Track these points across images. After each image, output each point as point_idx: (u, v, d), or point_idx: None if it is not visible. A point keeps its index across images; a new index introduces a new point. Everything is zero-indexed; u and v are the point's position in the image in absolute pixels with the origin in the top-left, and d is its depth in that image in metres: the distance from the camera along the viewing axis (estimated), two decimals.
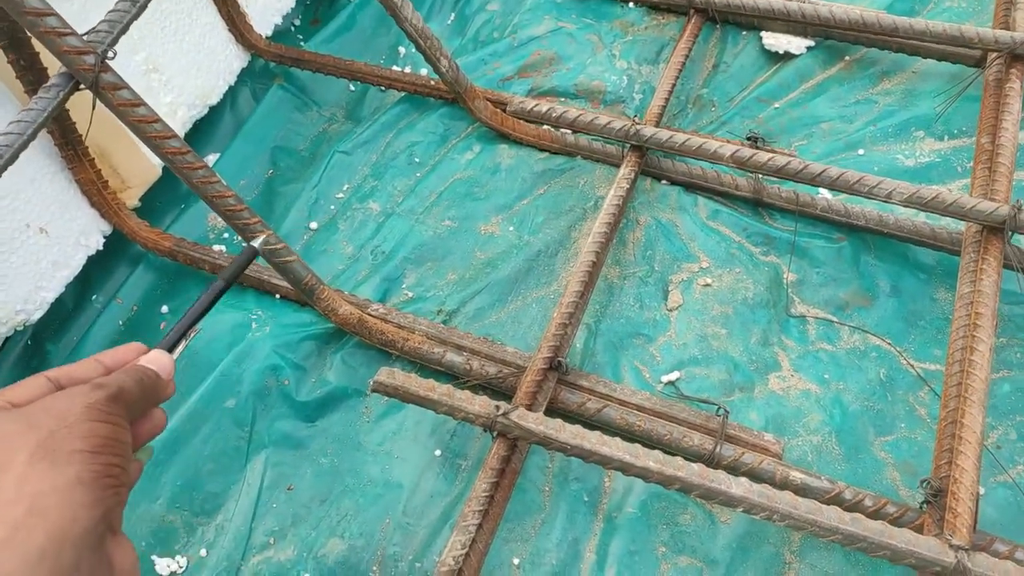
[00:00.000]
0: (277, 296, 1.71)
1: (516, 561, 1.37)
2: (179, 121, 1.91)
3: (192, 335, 0.82)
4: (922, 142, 1.89)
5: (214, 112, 2.03)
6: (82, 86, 1.14)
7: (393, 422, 1.54)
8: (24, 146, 1.10)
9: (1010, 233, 1.45)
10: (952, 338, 1.40)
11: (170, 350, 0.77)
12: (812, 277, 1.68)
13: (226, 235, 1.89)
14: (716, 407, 1.44)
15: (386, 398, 1.55)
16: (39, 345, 1.73)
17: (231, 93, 2.07)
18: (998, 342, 1.57)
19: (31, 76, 1.34)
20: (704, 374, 1.55)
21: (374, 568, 1.38)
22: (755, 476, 1.33)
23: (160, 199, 1.91)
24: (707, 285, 1.67)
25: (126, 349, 0.72)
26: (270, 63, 2.18)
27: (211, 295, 0.86)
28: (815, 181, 1.56)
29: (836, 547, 1.35)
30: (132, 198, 1.80)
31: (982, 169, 1.62)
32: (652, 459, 1.20)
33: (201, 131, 2.02)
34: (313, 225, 1.88)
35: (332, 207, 1.91)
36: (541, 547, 1.38)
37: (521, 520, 1.41)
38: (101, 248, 1.75)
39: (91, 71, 1.12)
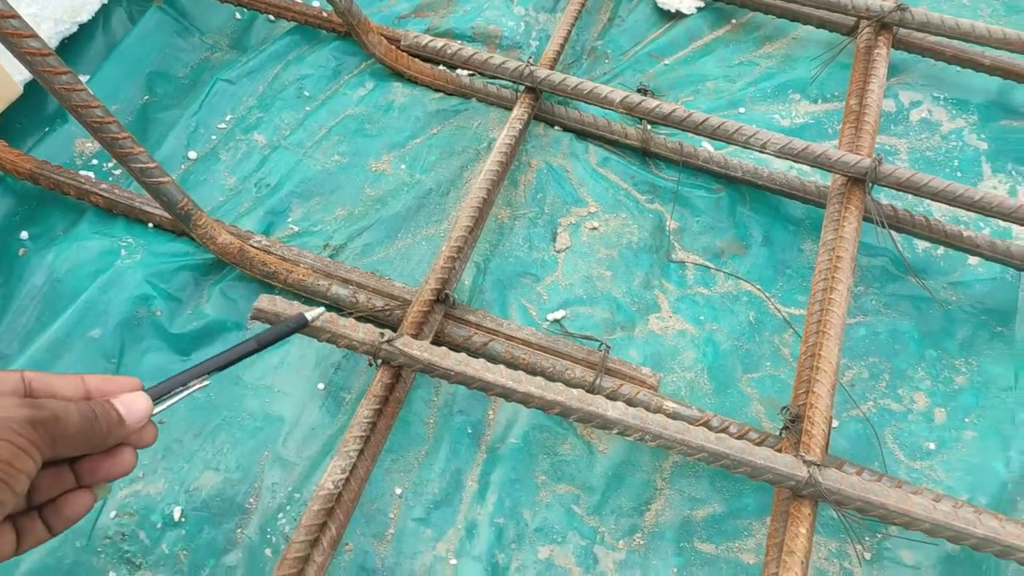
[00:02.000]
0: (150, 225, 1.61)
1: (398, 491, 1.37)
2: (43, 35, 1.75)
3: (197, 387, 0.78)
4: (798, 104, 2.00)
5: (84, 30, 1.87)
6: None
7: (275, 356, 1.50)
8: None
9: (870, 184, 1.56)
10: (815, 279, 1.50)
11: (161, 395, 0.74)
12: (692, 225, 1.75)
13: (94, 160, 1.77)
14: (598, 343, 1.48)
15: None
16: None
17: (104, 11, 1.92)
18: (857, 290, 1.70)
19: None
20: (588, 313, 1.59)
21: (251, 500, 1.35)
22: (632, 405, 1.38)
23: (22, 120, 1.76)
24: (594, 229, 1.71)
25: (118, 381, 0.70)
26: None
27: (236, 353, 0.81)
28: (698, 129, 1.62)
29: (703, 474, 1.43)
30: None
31: (849, 128, 1.74)
32: (534, 385, 1.22)
33: (69, 50, 1.87)
34: (192, 155, 1.78)
35: (213, 137, 1.82)
36: (424, 477, 1.38)
37: (404, 452, 1.41)
38: None
39: None
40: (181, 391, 0.77)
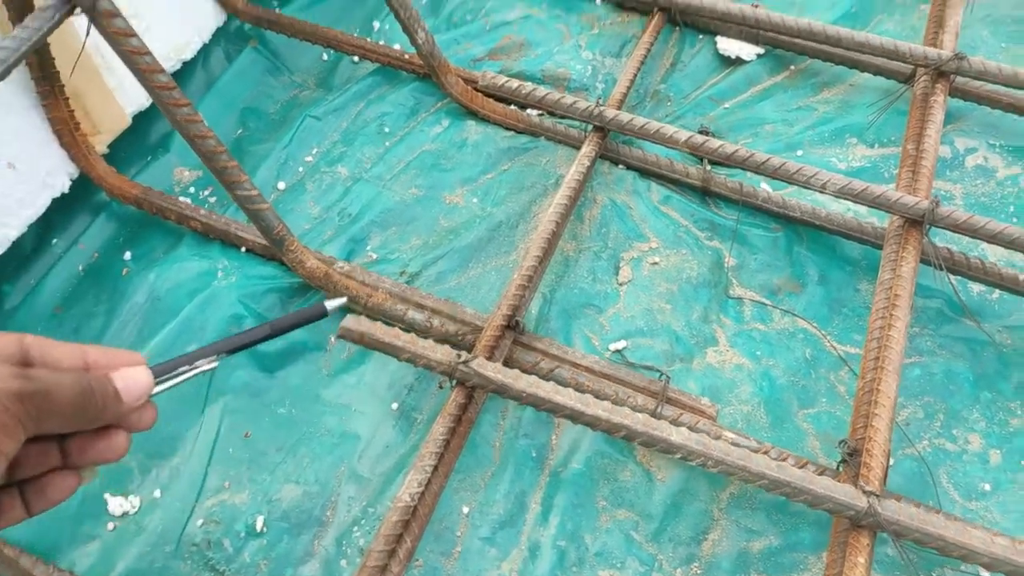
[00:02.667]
0: (243, 249, 1.74)
1: (466, 510, 1.45)
2: None
3: (204, 368, 0.73)
4: (855, 148, 2.06)
5: (186, 68, 2.04)
6: (78, 10, 1.17)
7: (352, 376, 1.60)
8: (14, 65, 1.13)
9: (928, 226, 1.61)
10: (872, 317, 1.54)
11: (165, 374, 0.69)
12: (750, 263, 1.81)
13: (191, 189, 1.92)
14: (659, 373, 1.55)
15: (346, 354, 1.62)
16: None
17: (205, 51, 2.09)
18: (912, 331, 1.73)
19: (16, 3, 1.35)
20: (648, 344, 1.66)
21: (328, 513, 1.44)
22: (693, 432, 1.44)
23: (127, 149, 1.92)
24: (655, 264, 1.79)
25: (119, 354, 0.65)
26: (245, 24, 2.20)
27: (248, 337, 0.78)
28: (759, 169, 1.69)
29: (759, 506, 1.48)
30: (100, 144, 1.81)
31: (906, 171, 1.79)
32: (601, 408, 1.30)
33: None
34: (281, 185, 1.92)
35: (300, 169, 1.96)
36: (490, 498, 1.46)
37: (471, 472, 1.49)
38: (67, 191, 1.76)
39: None
40: (187, 370, 0.72)
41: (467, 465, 1.49)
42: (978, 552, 1.14)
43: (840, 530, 1.25)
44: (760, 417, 1.59)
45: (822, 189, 1.65)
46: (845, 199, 1.65)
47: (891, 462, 1.54)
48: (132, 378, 0.63)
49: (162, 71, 1.28)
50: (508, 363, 1.52)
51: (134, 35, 1.23)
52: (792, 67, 2.24)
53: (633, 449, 1.51)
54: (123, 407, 0.62)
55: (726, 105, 2.15)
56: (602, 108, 1.81)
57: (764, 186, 1.91)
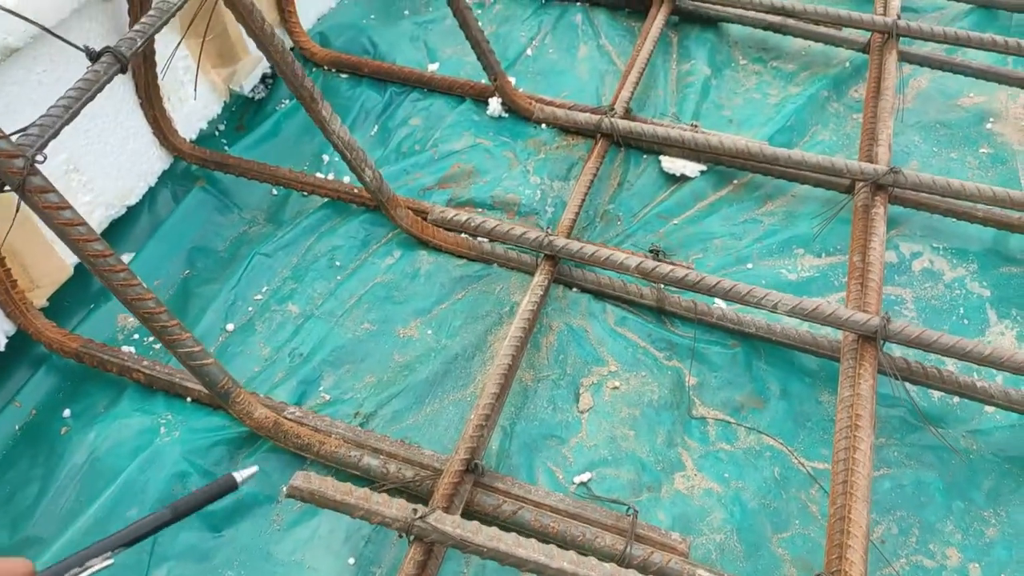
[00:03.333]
0: (188, 399, 1.68)
1: None
2: (95, 221, 1.91)
3: (98, 568, 0.70)
4: (803, 258, 2.10)
5: (132, 212, 2.03)
6: (7, 188, 1.15)
7: (306, 530, 1.52)
8: None
9: (882, 341, 1.62)
10: (836, 439, 1.52)
11: None
12: (711, 380, 1.80)
13: (136, 335, 1.86)
14: (626, 507, 1.50)
15: (299, 505, 1.53)
16: None
17: (151, 194, 2.09)
18: (878, 442, 1.71)
19: None
20: (614, 474, 1.61)
21: None
22: (664, 575, 1.38)
23: (69, 298, 1.87)
24: (615, 388, 1.76)
25: (5, 564, 0.63)
26: (192, 166, 2.21)
27: (147, 525, 0.74)
28: (711, 292, 1.71)
29: None
30: (40, 298, 1.76)
31: (855, 284, 1.82)
32: (566, 560, 1.23)
33: (117, 231, 2.02)
34: (230, 327, 1.88)
35: (250, 308, 1.92)
36: None
37: None
38: (2, 349, 1.69)
39: (19, 174, 1.14)
40: (78, 572, 0.69)
41: None
42: None
43: None
44: (734, 546, 1.53)
45: (773, 309, 1.66)
46: (797, 318, 1.66)
47: None
48: None
49: (97, 239, 1.26)
50: (468, 508, 1.46)
51: (67, 207, 1.21)
52: (735, 181, 2.30)
53: None
54: None
55: (675, 222, 2.19)
56: (552, 237, 1.83)
57: (718, 303, 1.92)
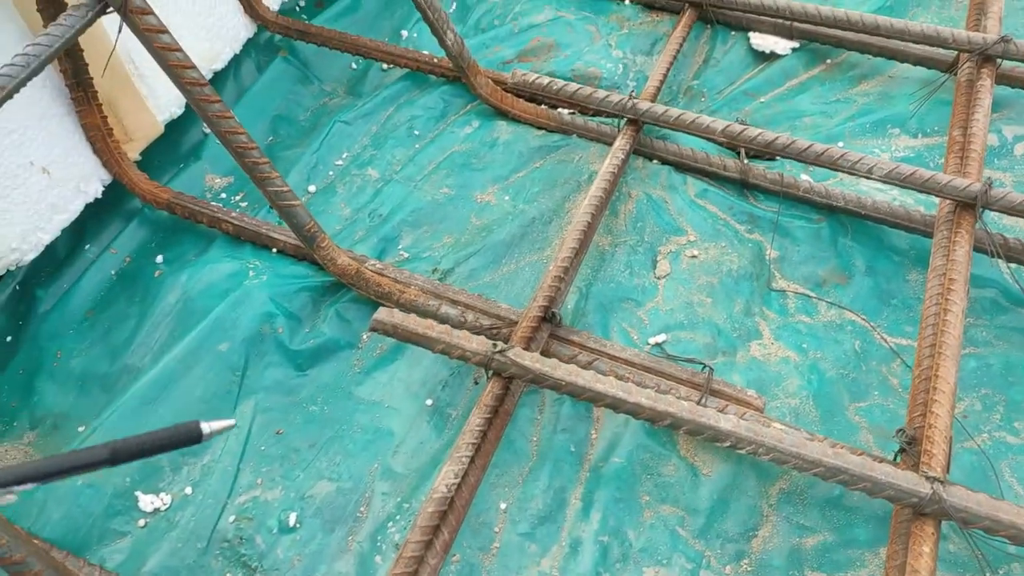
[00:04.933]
0: (274, 250, 1.73)
1: (503, 505, 1.39)
2: None
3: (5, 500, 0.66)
4: (897, 139, 1.99)
5: (217, 78, 2.06)
6: (110, 9, 1.18)
7: (384, 374, 1.57)
8: (47, 61, 1.13)
9: (981, 208, 1.54)
10: (926, 305, 1.47)
11: None
12: (793, 255, 1.75)
13: (223, 195, 1.92)
14: (701, 365, 1.49)
15: (379, 350, 1.58)
16: (28, 290, 1.72)
17: (236, 61, 2.11)
18: (967, 322, 1.65)
19: (51, 8, 1.37)
20: (689, 338, 1.60)
21: (362, 509, 1.39)
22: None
23: (159, 157, 1.93)
24: (694, 257, 1.73)
25: None
26: (275, 36, 2.22)
27: (82, 460, 0.67)
28: (801, 156, 1.64)
29: (812, 502, 1.40)
30: (133, 151, 1.82)
31: (954, 158, 1.72)
32: (644, 396, 1.24)
33: None
34: (312, 188, 1.91)
35: (331, 173, 1.95)
36: (528, 493, 1.40)
37: (508, 468, 1.43)
38: (100, 197, 1.77)
39: None
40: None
41: (504, 460, 1.44)
42: None
43: (901, 520, 1.17)
44: (809, 411, 1.51)
45: (868, 174, 1.59)
46: (892, 184, 1.59)
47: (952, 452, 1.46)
48: None
49: (192, 67, 1.28)
50: (545, 355, 1.47)
51: (165, 31, 1.23)
52: (828, 60, 2.19)
53: (676, 443, 1.45)
54: None
55: (762, 99, 2.10)
56: (635, 101, 1.78)
57: (805, 177, 1.85)
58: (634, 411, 1.24)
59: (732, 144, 1.71)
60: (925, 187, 1.55)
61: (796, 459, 1.17)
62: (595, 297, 1.65)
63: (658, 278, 1.70)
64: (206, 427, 0.74)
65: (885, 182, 1.59)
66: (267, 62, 2.19)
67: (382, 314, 1.37)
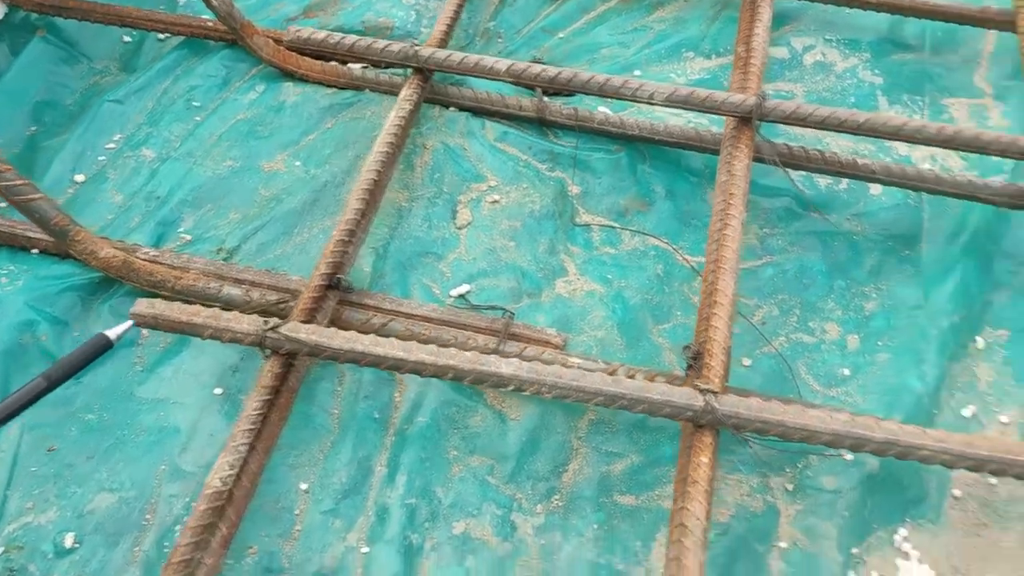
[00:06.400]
0: (34, 251, 1.56)
1: (304, 486, 1.32)
2: None
3: None
4: (692, 61, 2.01)
5: None
6: None
7: (169, 368, 1.44)
8: None
9: (757, 122, 1.55)
10: (712, 222, 1.48)
11: None
12: (594, 188, 1.73)
13: None
14: (501, 311, 1.46)
15: (163, 344, 1.47)
16: None
17: None
18: (763, 232, 1.69)
19: None
20: (493, 285, 1.56)
21: (147, 516, 1.29)
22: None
23: None
24: (495, 202, 1.69)
25: None
26: (31, 14, 1.99)
27: (20, 398, 0.67)
28: (584, 88, 1.61)
29: (620, 428, 1.40)
30: None
31: (738, 74, 1.74)
32: (425, 352, 1.19)
33: None
34: (79, 178, 1.74)
35: (101, 158, 1.78)
36: (330, 468, 1.34)
37: (308, 446, 1.36)
38: None
39: None
40: None
41: (302, 439, 1.36)
42: (819, 431, 1.09)
43: (687, 435, 1.18)
44: (615, 340, 1.51)
45: (649, 100, 1.58)
46: (674, 107, 1.59)
47: (748, 363, 1.49)
48: None
49: None
50: (335, 325, 1.40)
51: None
52: None
53: (483, 394, 1.42)
54: None
55: (560, 35, 2.07)
56: (418, 48, 1.70)
57: (602, 109, 1.83)
58: (417, 369, 1.19)
59: (520, 83, 1.66)
60: (704, 107, 1.55)
61: (577, 392, 1.15)
62: (393, 256, 1.58)
63: (459, 228, 1.65)
64: (111, 333, 0.75)
65: (667, 106, 1.58)
66: (23, 44, 1.96)
67: (140, 306, 1.25)
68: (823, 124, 1.52)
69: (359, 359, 1.21)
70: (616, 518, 1.31)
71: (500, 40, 2.04)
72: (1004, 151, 1.46)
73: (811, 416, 1.10)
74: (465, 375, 1.17)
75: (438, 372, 1.18)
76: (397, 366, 1.20)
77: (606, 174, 1.75)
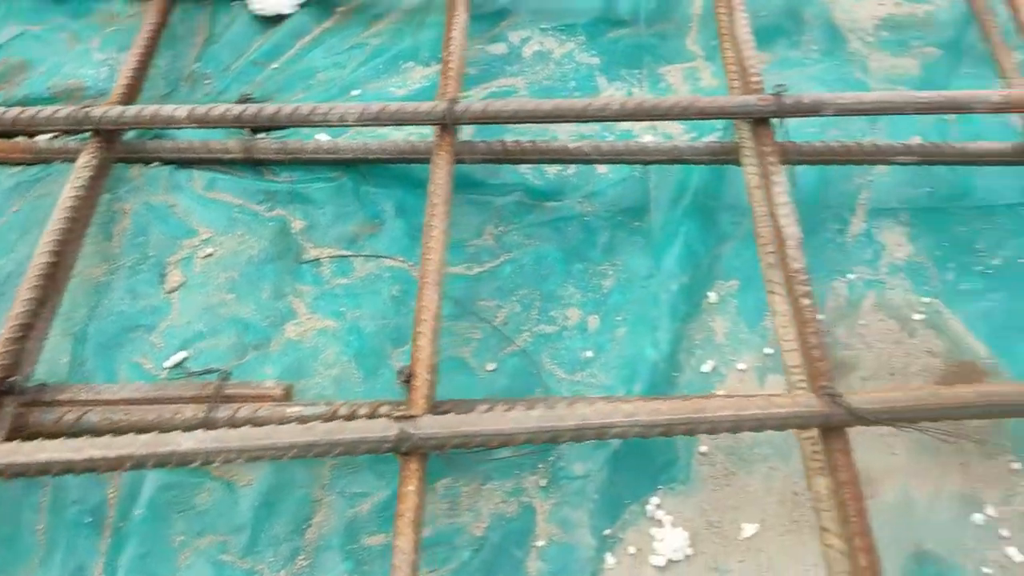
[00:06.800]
0: None
1: None
2: None
3: None
4: (412, 72, 1.97)
5: None
6: None
7: None
8: None
9: (453, 127, 1.52)
10: (424, 235, 1.43)
11: None
12: (319, 219, 1.66)
13: None
14: (214, 372, 1.35)
15: None
16: None
17: None
18: (497, 230, 1.67)
19: None
20: (213, 346, 1.46)
21: None
22: (255, 425, 1.26)
23: None
24: (209, 255, 1.58)
25: None
26: None
27: None
28: (272, 122, 1.54)
29: (364, 466, 1.33)
30: None
31: (443, 79, 1.70)
32: (96, 449, 1.07)
33: None
34: None
35: None
36: None
37: (11, 572, 1.20)
38: None
39: None
40: None
41: (2, 566, 1.20)
42: (517, 432, 1.06)
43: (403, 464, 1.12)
44: (352, 375, 1.44)
45: (341, 122, 1.51)
46: (367, 126, 1.53)
47: (493, 367, 1.46)
48: None
49: None
50: (18, 433, 1.24)
51: None
52: (339, 9, 2.11)
53: (206, 468, 1.30)
54: None
55: (273, 66, 1.98)
56: (87, 109, 1.56)
57: (320, 136, 1.76)
58: (90, 468, 1.07)
59: (205, 126, 1.55)
60: (396, 120, 1.51)
61: (269, 451, 1.07)
62: (94, 338, 1.45)
63: (169, 292, 1.52)
64: None
65: (360, 125, 1.53)
66: None
67: None
68: (515, 118, 1.51)
69: (25, 471, 1.07)
70: (366, 563, 1.24)
71: (208, 81, 1.93)
72: (683, 114, 1.50)
73: (509, 419, 1.06)
74: (144, 461, 1.07)
75: (111, 467, 1.07)
76: (70, 469, 1.07)
77: (329, 203, 1.67)
